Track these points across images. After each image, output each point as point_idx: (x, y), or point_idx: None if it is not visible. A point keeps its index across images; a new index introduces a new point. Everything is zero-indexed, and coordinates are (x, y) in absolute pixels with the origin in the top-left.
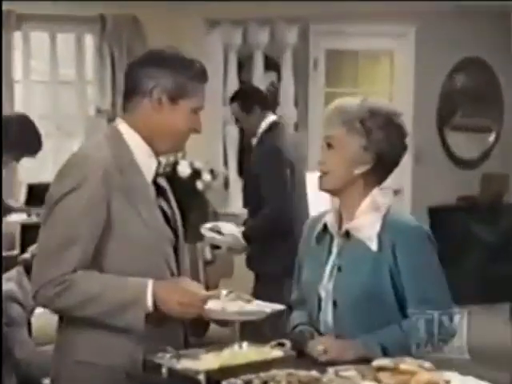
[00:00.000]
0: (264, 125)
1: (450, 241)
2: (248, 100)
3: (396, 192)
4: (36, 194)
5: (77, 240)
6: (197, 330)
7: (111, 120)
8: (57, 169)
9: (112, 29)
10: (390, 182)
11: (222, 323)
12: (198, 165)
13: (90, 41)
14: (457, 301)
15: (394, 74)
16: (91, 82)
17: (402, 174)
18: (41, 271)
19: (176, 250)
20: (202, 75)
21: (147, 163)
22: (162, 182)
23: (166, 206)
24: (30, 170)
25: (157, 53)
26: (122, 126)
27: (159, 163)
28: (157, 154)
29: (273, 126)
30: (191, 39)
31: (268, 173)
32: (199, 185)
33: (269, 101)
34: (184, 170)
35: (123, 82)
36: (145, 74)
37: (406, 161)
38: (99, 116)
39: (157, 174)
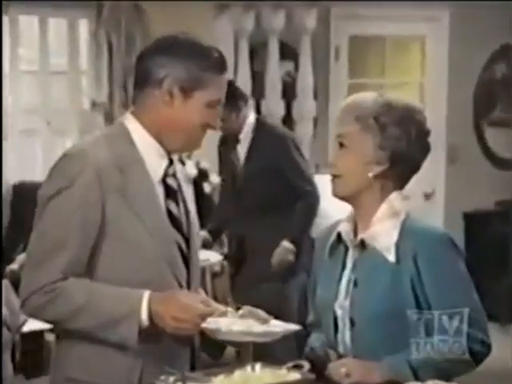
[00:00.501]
0: (251, 120)
1: (488, 250)
2: (232, 98)
3: (427, 196)
4: (23, 196)
5: (67, 244)
6: (213, 350)
7: (108, 114)
8: (47, 169)
9: (109, 13)
10: (421, 184)
11: (233, 344)
12: (204, 165)
13: (84, 26)
14: (495, 318)
15: (425, 63)
16: (86, 73)
17: (435, 176)
18: (29, 278)
19: (187, 259)
20: (220, 65)
21: (155, 162)
22: (173, 182)
23: (176, 210)
24: (17, 171)
25: (169, 39)
26: (129, 121)
27: (171, 162)
28: (168, 152)
29: (259, 120)
30: (198, 24)
31: (297, 162)
32: (206, 187)
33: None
34: (190, 170)
35: (128, 73)
36: (155, 62)
37: (439, 161)
38: (94, 110)
39: (166, 174)
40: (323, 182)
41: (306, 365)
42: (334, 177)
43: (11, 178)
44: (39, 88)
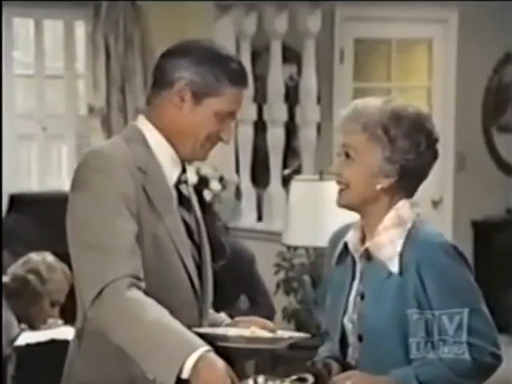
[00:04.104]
0: None
1: (498, 260)
2: None
3: (435, 203)
4: (19, 205)
5: (127, 240)
6: None
7: (105, 120)
8: (42, 177)
9: (107, 14)
10: (428, 192)
11: (239, 353)
12: (205, 171)
13: (81, 28)
14: (505, 330)
15: (432, 66)
16: (82, 77)
17: (443, 183)
18: (99, 273)
19: (199, 269)
20: (237, 77)
21: (170, 166)
22: (186, 190)
23: (188, 218)
24: (12, 178)
25: (191, 43)
26: (142, 123)
27: (184, 169)
28: (181, 158)
29: None
30: (198, 26)
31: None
32: (207, 195)
33: None
34: (190, 177)
35: (126, 76)
36: (171, 64)
37: (447, 167)
38: (92, 115)
39: (179, 181)
40: (327, 189)
41: (310, 378)
42: (340, 186)
43: (7, 186)
44: (34, 92)
